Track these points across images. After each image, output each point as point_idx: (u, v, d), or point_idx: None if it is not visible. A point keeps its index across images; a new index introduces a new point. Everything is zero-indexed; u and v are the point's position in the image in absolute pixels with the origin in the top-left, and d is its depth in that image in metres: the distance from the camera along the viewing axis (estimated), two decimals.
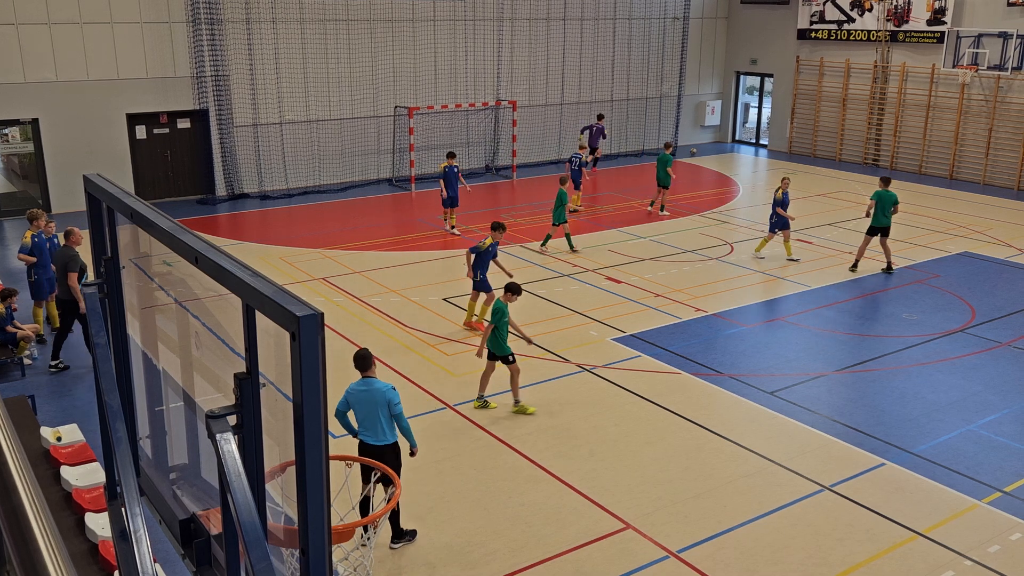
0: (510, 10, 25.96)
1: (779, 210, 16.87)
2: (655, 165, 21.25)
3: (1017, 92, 23.97)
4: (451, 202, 18.85)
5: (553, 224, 17.52)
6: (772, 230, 17.23)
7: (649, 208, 21.26)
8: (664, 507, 8.84)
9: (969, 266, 16.84)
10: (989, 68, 24.01)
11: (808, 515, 8.76)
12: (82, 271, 11.94)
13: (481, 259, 13.30)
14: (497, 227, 13.47)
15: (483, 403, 10.96)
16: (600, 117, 26.24)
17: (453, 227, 18.98)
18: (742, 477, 9.45)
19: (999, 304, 14.90)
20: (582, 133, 26.27)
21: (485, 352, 10.84)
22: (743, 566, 7.93)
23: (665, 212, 20.94)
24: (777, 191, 17.05)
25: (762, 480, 9.40)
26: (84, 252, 10.43)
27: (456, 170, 18.78)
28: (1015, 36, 23.42)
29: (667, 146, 21.46)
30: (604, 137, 26.32)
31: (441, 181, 18.76)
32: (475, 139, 26.29)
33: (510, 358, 10.79)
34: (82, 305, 11.38)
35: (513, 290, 10.84)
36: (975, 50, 24.27)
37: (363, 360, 7.99)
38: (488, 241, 13.26)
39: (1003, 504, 8.99)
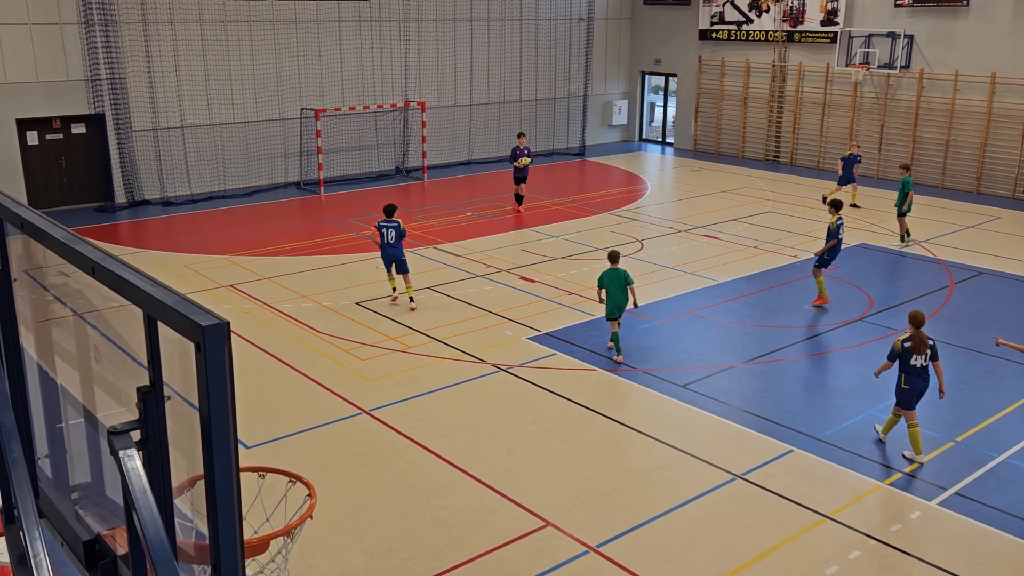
0: (416, 11, 25.83)
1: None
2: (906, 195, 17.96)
3: (906, 89, 25.06)
4: (400, 266, 14.25)
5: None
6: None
7: (902, 243, 18.52)
8: (582, 503, 8.93)
9: (865, 257, 17.53)
10: (879, 67, 25.04)
11: (721, 504, 8.98)
12: None
13: None
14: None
15: None
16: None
17: (412, 299, 14.38)
18: (657, 470, 9.62)
19: (894, 292, 15.57)
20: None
21: None
22: (661, 557, 8.07)
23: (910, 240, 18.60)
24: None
25: (676, 472, 9.59)
26: None
27: (400, 227, 14.19)
28: (902, 36, 24.48)
29: (906, 168, 18.56)
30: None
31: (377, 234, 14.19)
32: (384, 141, 26.08)
33: None
34: None
35: None
36: (866, 50, 25.28)
37: None
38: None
39: (903, 484, 9.39)
